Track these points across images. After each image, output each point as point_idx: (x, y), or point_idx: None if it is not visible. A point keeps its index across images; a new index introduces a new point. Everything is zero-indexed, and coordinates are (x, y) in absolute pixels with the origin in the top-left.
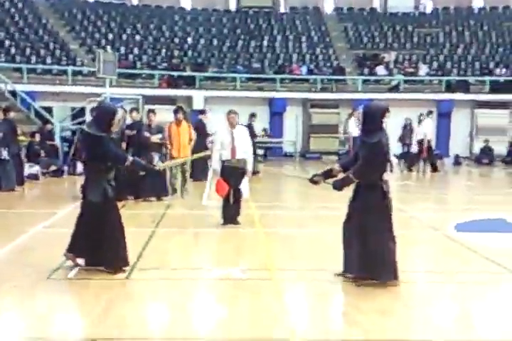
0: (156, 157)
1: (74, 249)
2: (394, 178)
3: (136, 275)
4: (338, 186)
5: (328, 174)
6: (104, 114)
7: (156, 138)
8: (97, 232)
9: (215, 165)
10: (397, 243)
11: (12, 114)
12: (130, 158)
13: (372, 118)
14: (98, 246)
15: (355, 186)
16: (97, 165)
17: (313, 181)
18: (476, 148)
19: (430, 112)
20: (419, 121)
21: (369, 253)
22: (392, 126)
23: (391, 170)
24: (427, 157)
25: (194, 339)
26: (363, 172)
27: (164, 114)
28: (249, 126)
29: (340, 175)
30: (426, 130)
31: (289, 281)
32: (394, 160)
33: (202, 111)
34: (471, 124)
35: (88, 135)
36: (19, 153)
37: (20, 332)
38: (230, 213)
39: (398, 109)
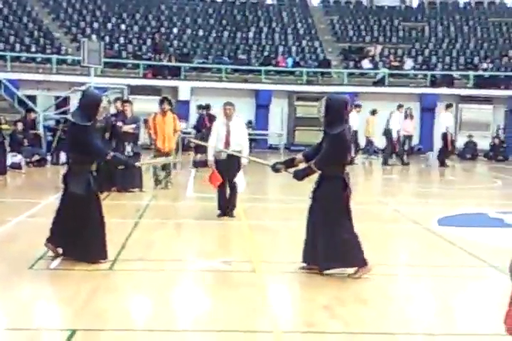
0: (128, 147)
1: (53, 239)
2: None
3: (118, 266)
4: (300, 176)
5: (290, 163)
6: (89, 102)
7: (129, 128)
8: (77, 224)
9: (210, 156)
10: (357, 234)
11: None
12: (111, 153)
13: (335, 110)
14: (77, 237)
15: (317, 177)
16: (80, 156)
17: (275, 169)
18: (460, 143)
19: (450, 105)
20: (410, 115)
21: (334, 243)
22: (377, 119)
23: (351, 162)
24: (451, 150)
25: (176, 331)
26: (324, 163)
27: (149, 105)
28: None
29: (302, 165)
30: (447, 123)
31: (272, 273)
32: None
33: (207, 107)
34: (455, 119)
35: (73, 124)
36: (2, 142)
37: (1, 322)
38: (226, 205)
39: (383, 103)
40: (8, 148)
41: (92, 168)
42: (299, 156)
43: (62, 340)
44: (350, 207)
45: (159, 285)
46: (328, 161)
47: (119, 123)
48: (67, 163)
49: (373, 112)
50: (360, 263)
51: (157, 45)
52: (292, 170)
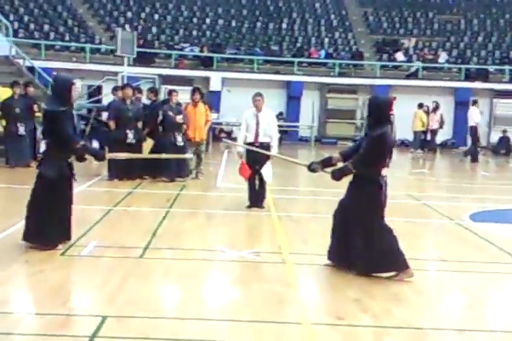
0: (178, 137)
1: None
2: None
3: (149, 254)
4: (337, 176)
5: (327, 162)
6: (61, 86)
7: (179, 119)
8: (43, 207)
9: (239, 147)
10: (396, 236)
11: (31, 90)
12: (81, 142)
13: (377, 111)
14: (37, 220)
15: (352, 177)
16: (53, 143)
17: (311, 169)
18: (494, 138)
19: (476, 101)
20: (434, 109)
21: (376, 247)
22: (408, 113)
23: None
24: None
25: (204, 319)
26: (362, 164)
27: (181, 95)
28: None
29: (340, 164)
30: (476, 119)
31: (301, 265)
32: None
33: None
34: (489, 114)
35: (46, 112)
36: (35, 130)
37: (32, 307)
38: (256, 197)
39: (415, 96)
40: (40, 136)
41: (69, 156)
42: (336, 155)
43: (93, 326)
44: (384, 210)
45: (189, 274)
46: (365, 163)
47: (170, 113)
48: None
49: (420, 106)
50: (403, 266)
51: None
52: (329, 169)
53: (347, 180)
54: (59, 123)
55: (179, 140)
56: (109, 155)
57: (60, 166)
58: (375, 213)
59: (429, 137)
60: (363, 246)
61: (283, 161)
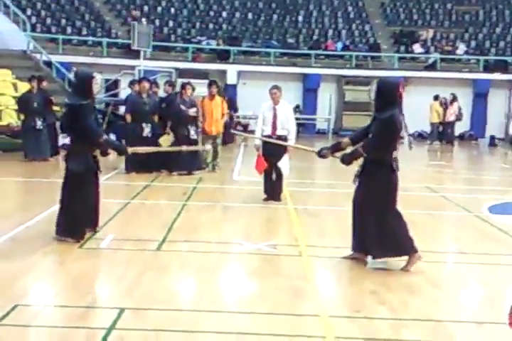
0: (191, 130)
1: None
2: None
3: (166, 247)
4: (347, 159)
5: (336, 147)
6: (81, 81)
7: (192, 112)
8: (69, 199)
9: (256, 140)
10: (405, 221)
11: (45, 84)
12: (104, 136)
13: (386, 93)
14: (66, 212)
15: (362, 162)
16: (77, 137)
17: (320, 155)
18: None
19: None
20: (451, 101)
21: (385, 231)
22: (426, 105)
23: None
24: None
25: (221, 312)
26: (373, 147)
27: (197, 88)
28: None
29: (349, 149)
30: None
31: (318, 258)
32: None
33: None
34: (508, 105)
35: (68, 105)
36: (54, 124)
37: (50, 300)
38: (272, 190)
39: (434, 88)
40: (59, 130)
41: (93, 149)
42: (346, 140)
43: (111, 318)
44: (397, 194)
45: (206, 267)
46: (376, 146)
47: (183, 107)
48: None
49: (436, 98)
50: (411, 250)
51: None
52: (339, 154)
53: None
54: (81, 117)
55: (192, 133)
56: (131, 150)
57: (85, 160)
58: (388, 197)
59: (442, 129)
60: (376, 231)
61: (299, 154)
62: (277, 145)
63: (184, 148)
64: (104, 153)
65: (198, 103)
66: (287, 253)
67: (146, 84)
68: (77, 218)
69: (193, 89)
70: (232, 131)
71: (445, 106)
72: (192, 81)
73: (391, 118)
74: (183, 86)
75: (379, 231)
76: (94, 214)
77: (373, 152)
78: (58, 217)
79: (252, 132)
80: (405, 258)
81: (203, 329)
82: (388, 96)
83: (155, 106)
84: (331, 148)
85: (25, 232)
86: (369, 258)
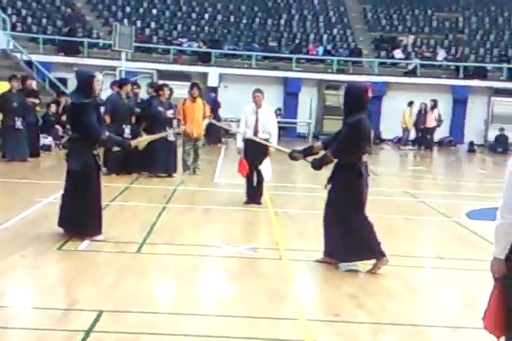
0: (170, 131)
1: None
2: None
3: (146, 249)
4: (317, 165)
5: (308, 151)
6: (83, 81)
7: (170, 114)
8: (74, 199)
9: (239, 143)
10: (372, 224)
11: (31, 83)
12: (106, 133)
13: (353, 98)
14: (74, 212)
15: (333, 166)
16: (79, 135)
17: (292, 157)
18: (491, 136)
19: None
20: (432, 107)
21: (350, 235)
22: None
23: (370, 152)
24: None
25: (201, 315)
26: (341, 152)
27: (178, 90)
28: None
29: (321, 153)
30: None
31: (297, 261)
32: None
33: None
34: (487, 112)
35: (71, 104)
36: (36, 124)
37: (28, 302)
38: (253, 193)
39: (414, 94)
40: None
41: (94, 147)
42: (318, 144)
43: (89, 321)
44: (364, 198)
45: (185, 270)
46: (343, 150)
47: (161, 109)
48: (68, 141)
49: (410, 104)
50: (378, 255)
51: (70, 17)
52: (310, 158)
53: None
54: (84, 115)
55: (171, 134)
56: (133, 142)
57: (86, 158)
58: (354, 201)
59: (421, 134)
60: (340, 234)
61: (280, 158)
62: (259, 147)
63: (170, 131)
64: (108, 149)
65: (179, 104)
66: (267, 257)
67: (128, 86)
68: (92, 214)
69: (171, 91)
70: (211, 120)
71: (424, 111)
72: (173, 83)
73: (358, 123)
74: (160, 88)
75: (343, 235)
76: (99, 214)
77: (341, 156)
78: (61, 210)
79: (234, 135)
80: (372, 261)
81: (181, 332)
82: (355, 100)
83: (134, 107)
84: (304, 151)
85: (3, 234)
86: (341, 263)
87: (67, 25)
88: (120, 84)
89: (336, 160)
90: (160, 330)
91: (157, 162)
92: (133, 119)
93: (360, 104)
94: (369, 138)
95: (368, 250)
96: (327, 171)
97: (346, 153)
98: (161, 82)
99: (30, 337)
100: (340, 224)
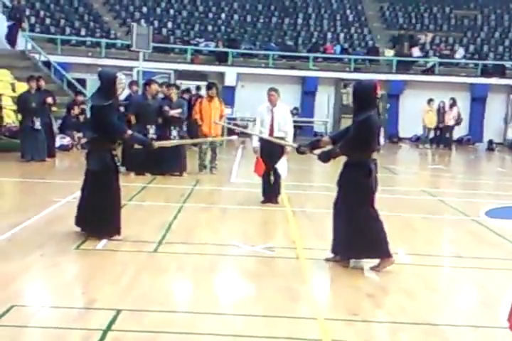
0: (174, 131)
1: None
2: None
3: (163, 248)
4: (324, 157)
5: (315, 145)
6: (106, 81)
7: (174, 113)
8: (93, 200)
9: (255, 143)
10: (382, 222)
11: (42, 84)
12: (129, 132)
13: (362, 96)
14: (93, 213)
15: (343, 164)
16: (99, 135)
17: (300, 151)
18: (510, 135)
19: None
20: (451, 105)
21: (357, 233)
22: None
23: (377, 150)
24: None
25: (218, 314)
26: (350, 148)
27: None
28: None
29: (328, 147)
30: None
31: (315, 261)
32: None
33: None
34: (506, 110)
35: (93, 107)
36: (51, 124)
37: (46, 300)
38: (270, 192)
39: (432, 92)
40: (57, 131)
41: (112, 147)
42: (325, 138)
43: (107, 320)
44: (373, 195)
45: (202, 269)
46: (352, 147)
47: (166, 108)
48: (88, 142)
49: (429, 101)
50: (384, 254)
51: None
52: (318, 151)
53: None
54: (106, 117)
55: (174, 134)
56: (157, 144)
57: (105, 159)
58: (362, 199)
59: (440, 132)
60: (346, 232)
61: (297, 157)
62: (275, 147)
63: (209, 139)
64: (131, 147)
65: (196, 104)
66: (284, 256)
67: (154, 87)
68: (110, 214)
69: (189, 91)
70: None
71: (443, 110)
72: (190, 83)
73: (367, 120)
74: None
75: (351, 232)
76: (118, 215)
77: (350, 153)
78: (78, 210)
79: (250, 135)
80: (376, 261)
81: (199, 331)
82: (364, 98)
83: (159, 108)
84: (310, 144)
85: (22, 233)
86: (351, 261)
87: (11, 18)
88: (145, 84)
89: (345, 158)
90: (177, 329)
91: (166, 161)
92: (159, 120)
93: (369, 102)
94: (377, 135)
95: (374, 249)
96: None
97: (356, 150)
98: (178, 82)
99: (48, 335)
100: (349, 222)
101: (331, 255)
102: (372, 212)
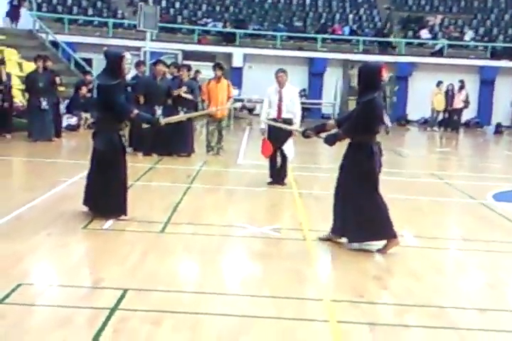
0: (181, 112)
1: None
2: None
3: (170, 229)
4: (330, 141)
5: (321, 128)
6: (112, 60)
7: (178, 92)
8: (100, 179)
9: (262, 124)
10: (386, 204)
11: (49, 64)
12: (135, 111)
13: (367, 78)
14: (100, 192)
15: (347, 145)
16: (106, 115)
17: (305, 135)
18: None
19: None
20: (460, 88)
21: (362, 215)
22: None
23: (387, 132)
24: None
25: (224, 294)
26: (353, 130)
27: (203, 71)
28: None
29: (334, 131)
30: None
31: (322, 242)
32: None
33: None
34: None
35: (99, 86)
36: (58, 104)
37: (53, 279)
38: (277, 174)
39: (441, 74)
40: (63, 111)
41: (119, 127)
42: (331, 122)
43: (114, 299)
44: (376, 177)
45: (209, 249)
46: (356, 129)
47: (175, 91)
48: (95, 122)
49: (438, 83)
50: (389, 235)
51: None
52: (324, 134)
53: None
54: (113, 96)
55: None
56: (164, 120)
57: (112, 138)
58: (366, 180)
59: (448, 115)
60: (352, 214)
61: (304, 139)
62: (282, 129)
63: (214, 109)
64: (138, 127)
65: (203, 85)
66: (291, 237)
67: (162, 67)
68: (117, 194)
69: (189, 70)
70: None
71: (451, 92)
72: (197, 63)
73: (371, 102)
74: (154, 63)
75: (354, 214)
76: (124, 195)
77: (353, 135)
78: (86, 189)
79: (258, 115)
80: (383, 242)
81: (205, 311)
82: (369, 80)
83: (168, 89)
84: (316, 128)
85: (29, 212)
86: (343, 240)
87: None
88: (153, 64)
89: (348, 139)
90: (184, 309)
91: (173, 142)
92: (169, 101)
93: (374, 84)
94: (381, 117)
95: (379, 230)
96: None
97: (358, 131)
98: (185, 62)
99: (56, 314)
100: (352, 204)
101: (326, 233)
102: (375, 194)
